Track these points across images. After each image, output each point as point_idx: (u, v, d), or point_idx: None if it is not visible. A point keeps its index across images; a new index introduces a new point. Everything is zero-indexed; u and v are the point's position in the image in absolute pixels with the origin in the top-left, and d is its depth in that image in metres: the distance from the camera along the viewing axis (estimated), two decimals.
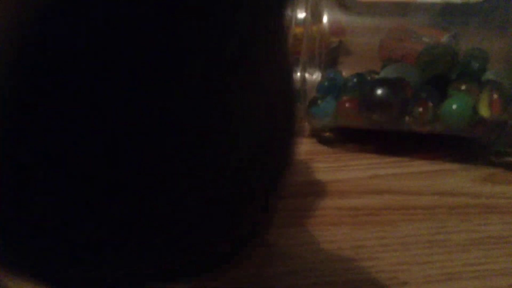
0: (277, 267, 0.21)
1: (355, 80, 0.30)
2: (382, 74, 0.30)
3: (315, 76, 0.31)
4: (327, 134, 0.34)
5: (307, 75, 0.31)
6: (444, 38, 0.30)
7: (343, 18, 0.31)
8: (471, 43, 0.30)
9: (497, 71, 0.29)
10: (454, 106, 0.28)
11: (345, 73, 0.32)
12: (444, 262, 0.22)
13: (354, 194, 0.27)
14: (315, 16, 0.30)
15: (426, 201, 0.26)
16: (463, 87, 0.28)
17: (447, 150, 0.32)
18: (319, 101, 0.30)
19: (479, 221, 0.24)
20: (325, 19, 0.31)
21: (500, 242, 0.23)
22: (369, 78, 0.32)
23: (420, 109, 0.28)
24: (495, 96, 0.27)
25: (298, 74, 0.30)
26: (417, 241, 0.23)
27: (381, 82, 0.29)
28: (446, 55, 0.29)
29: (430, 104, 0.28)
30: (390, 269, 0.21)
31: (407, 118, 0.29)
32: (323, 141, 0.33)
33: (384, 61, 0.31)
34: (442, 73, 0.29)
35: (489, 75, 0.29)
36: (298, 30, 0.30)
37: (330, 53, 0.32)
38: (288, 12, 0.30)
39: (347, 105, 0.30)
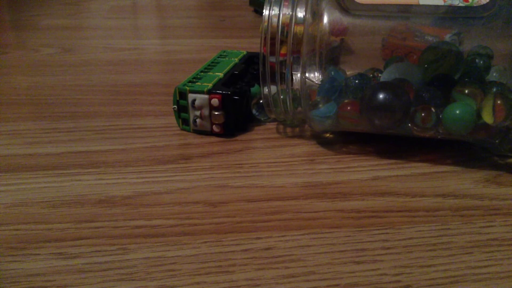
0: (278, 270, 0.21)
1: (357, 81, 0.29)
2: (385, 73, 0.30)
3: (316, 75, 0.31)
4: (328, 135, 0.34)
5: (307, 75, 0.30)
6: (448, 37, 0.30)
7: (344, 19, 0.30)
8: (474, 44, 0.30)
9: (501, 70, 0.29)
10: (457, 111, 0.27)
11: (347, 72, 0.31)
12: (447, 265, 0.21)
13: (356, 196, 0.27)
14: (316, 15, 0.30)
15: (428, 203, 0.26)
16: (466, 91, 0.28)
17: (449, 151, 0.32)
18: (320, 105, 0.30)
19: (483, 223, 0.24)
20: (325, 19, 0.30)
21: (504, 245, 0.23)
22: (372, 76, 0.31)
23: (423, 114, 0.28)
24: (499, 102, 0.26)
25: (298, 75, 0.30)
26: (419, 244, 0.23)
27: (383, 86, 0.28)
28: (450, 53, 0.29)
29: (433, 109, 0.28)
30: (392, 272, 0.21)
31: (409, 124, 0.29)
32: (324, 142, 0.33)
33: (387, 60, 0.31)
34: (446, 72, 0.29)
35: (493, 73, 0.29)
36: (298, 29, 0.29)
37: (331, 52, 0.31)
38: (289, 10, 0.29)
39: (348, 108, 0.30)
